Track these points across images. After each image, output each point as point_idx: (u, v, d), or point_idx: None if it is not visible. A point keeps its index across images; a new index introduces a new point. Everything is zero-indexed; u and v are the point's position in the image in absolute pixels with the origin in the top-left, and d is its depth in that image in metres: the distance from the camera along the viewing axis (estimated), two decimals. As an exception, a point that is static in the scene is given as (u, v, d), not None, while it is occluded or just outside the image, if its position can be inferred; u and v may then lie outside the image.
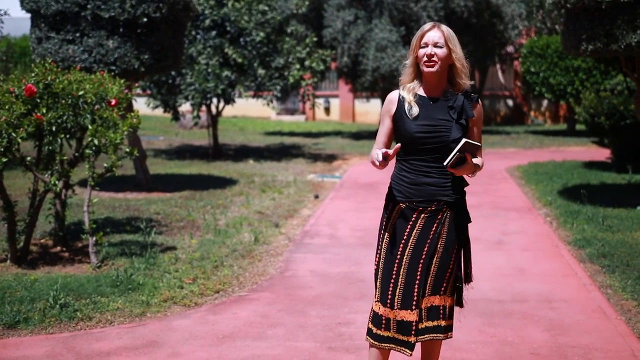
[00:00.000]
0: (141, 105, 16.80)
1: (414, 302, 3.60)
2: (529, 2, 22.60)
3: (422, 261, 3.61)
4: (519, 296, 5.98)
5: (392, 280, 3.62)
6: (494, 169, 13.28)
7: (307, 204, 10.27)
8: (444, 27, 3.62)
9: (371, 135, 19.54)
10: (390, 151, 3.46)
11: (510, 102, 27.41)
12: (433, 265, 3.63)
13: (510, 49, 24.99)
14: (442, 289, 3.65)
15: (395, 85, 3.89)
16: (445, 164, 3.46)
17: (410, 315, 3.60)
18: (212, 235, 8.09)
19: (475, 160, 3.54)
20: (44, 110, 6.56)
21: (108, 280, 6.15)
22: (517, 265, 6.96)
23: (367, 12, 19.69)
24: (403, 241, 3.62)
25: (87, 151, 6.71)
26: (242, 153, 16.93)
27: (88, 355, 4.73)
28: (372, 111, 26.73)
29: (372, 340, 3.68)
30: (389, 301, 3.62)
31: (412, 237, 3.62)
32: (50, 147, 6.79)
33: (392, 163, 3.68)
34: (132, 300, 5.77)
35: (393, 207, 3.68)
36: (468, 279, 3.78)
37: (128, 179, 11.81)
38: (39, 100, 6.63)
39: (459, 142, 3.45)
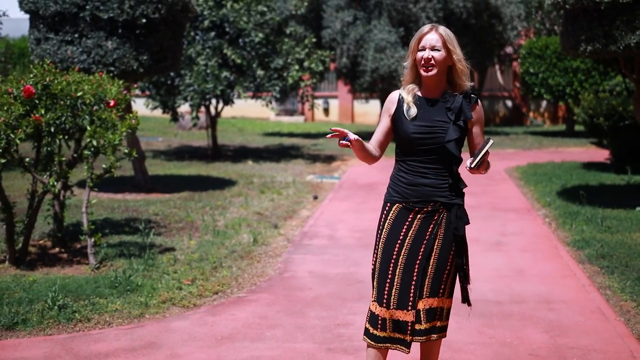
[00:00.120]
0: (140, 106, 16.77)
1: (410, 303, 3.61)
2: (528, 3, 22.60)
3: (418, 262, 3.62)
4: (518, 297, 5.97)
5: (388, 280, 3.63)
6: (493, 169, 13.24)
7: (306, 205, 10.26)
8: (442, 29, 3.61)
9: (370, 136, 19.42)
10: (352, 136, 3.46)
11: (509, 103, 27.42)
12: (430, 266, 3.63)
13: (509, 49, 25.01)
14: (441, 291, 3.66)
15: (394, 86, 3.90)
16: (472, 165, 3.45)
17: (406, 316, 3.61)
18: (211, 236, 8.08)
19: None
20: (43, 111, 6.55)
21: (107, 281, 6.14)
22: (516, 266, 6.96)
23: (366, 13, 19.69)
24: (399, 241, 3.64)
25: (86, 152, 6.71)
26: (241, 154, 16.93)
27: (86, 356, 4.72)
28: (371, 112, 26.73)
29: (369, 341, 3.69)
30: (385, 301, 3.63)
31: (408, 238, 3.63)
32: (48, 148, 6.79)
33: (392, 164, 3.68)
34: (131, 301, 5.76)
35: (390, 207, 3.69)
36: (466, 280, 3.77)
37: (127, 180, 11.81)
38: (37, 101, 6.63)
39: (455, 142, 3.45)
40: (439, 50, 3.58)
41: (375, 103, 25.47)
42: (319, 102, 25.31)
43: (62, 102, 6.68)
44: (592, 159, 14.95)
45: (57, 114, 6.62)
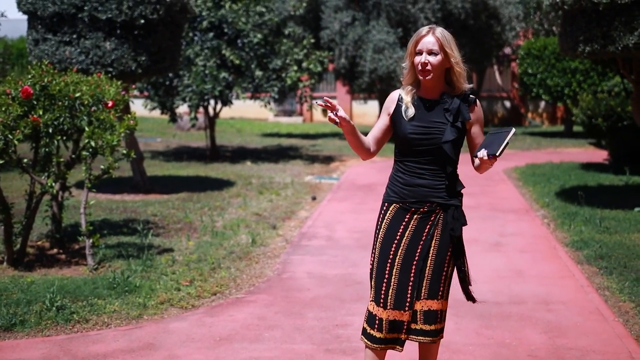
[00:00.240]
0: (138, 107, 16.79)
1: (407, 303, 3.61)
2: (526, 4, 22.60)
3: (415, 262, 3.62)
4: (517, 298, 5.97)
5: (385, 280, 3.64)
6: (492, 170, 13.19)
7: (305, 206, 10.26)
8: (439, 32, 3.60)
9: (369, 136, 19.38)
10: (342, 113, 3.44)
11: (507, 104, 27.43)
12: (427, 267, 3.63)
13: (507, 50, 25.00)
14: (440, 293, 3.65)
15: (393, 87, 3.91)
16: (497, 154, 3.43)
17: (402, 316, 3.62)
18: (210, 237, 8.08)
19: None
20: (41, 112, 6.55)
21: (105, 282, 6.14)
22: (514, 267, 6.96)
23: (365, 13, 19.69)
24: (396, 241, 3.64)
25: (84, 153, 6.71)
26: (240, 154, 16.92)
27: (84, 357, 4.72)
28: (370, 113, 26.73)
29: (366, 341, 3.70)
30: (382, 300, 3.64)
31: (405, 238, 3.64)
32: (46, 149, 6.79)
33: (391, 164, 3.68)
34: (129, 302, 5.76)
35: (388, 207, 3.70)
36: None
37: (125, 181, 11.80)
38: (35, 102, 6.62)
39: (451, 143, 3.45)
40: (436, 55, 3.57)
41: (373, 104, 25.46)
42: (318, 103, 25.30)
43: (60, 103, 6.68)
44: (590, 159, 14.95)
45: (55, 114, 6.61)
